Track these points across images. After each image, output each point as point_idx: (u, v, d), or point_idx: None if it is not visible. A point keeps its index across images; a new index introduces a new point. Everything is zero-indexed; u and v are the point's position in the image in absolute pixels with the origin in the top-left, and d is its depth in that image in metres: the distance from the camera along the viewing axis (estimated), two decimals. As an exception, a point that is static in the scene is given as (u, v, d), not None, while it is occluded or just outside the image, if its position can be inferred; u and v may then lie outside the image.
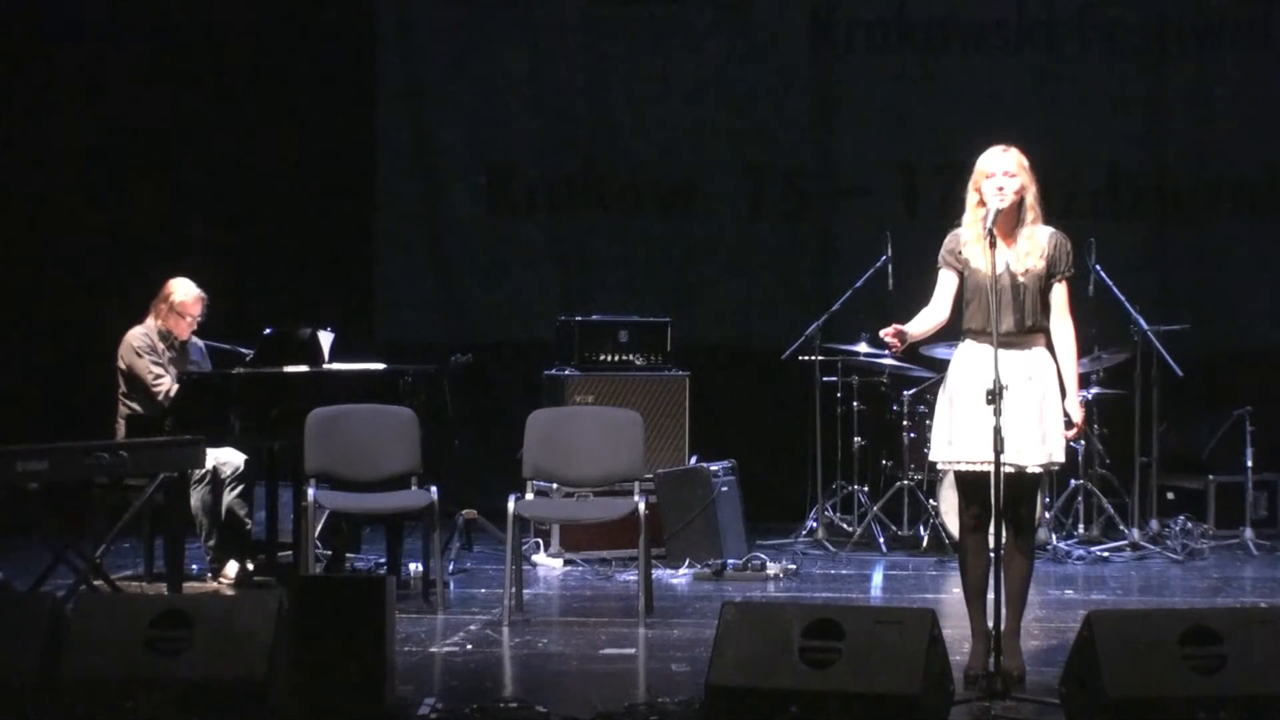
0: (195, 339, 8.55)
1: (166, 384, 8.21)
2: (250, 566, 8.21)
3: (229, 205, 10.81)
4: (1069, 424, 6.08)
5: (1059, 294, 6.10)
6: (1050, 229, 6.12)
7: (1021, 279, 6.04)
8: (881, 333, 6.15)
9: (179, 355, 8.43)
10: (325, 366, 8.22)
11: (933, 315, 6.21)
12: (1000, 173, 6.03)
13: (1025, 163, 6.07)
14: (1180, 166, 10.87)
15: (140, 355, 8.27)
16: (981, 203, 6.03)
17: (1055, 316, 6.11)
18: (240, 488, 8.30)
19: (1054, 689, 5.62)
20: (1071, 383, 6.11)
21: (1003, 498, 5.86)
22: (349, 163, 10.98)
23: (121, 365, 8.31)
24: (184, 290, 8.45)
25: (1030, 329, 6.07)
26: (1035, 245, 6.06)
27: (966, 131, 10.03)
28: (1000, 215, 5.99)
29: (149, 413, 8.10)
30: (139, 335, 8.35)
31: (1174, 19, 10.81)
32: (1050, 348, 6.11)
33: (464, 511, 8.83)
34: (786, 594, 8.17)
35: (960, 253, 6.11)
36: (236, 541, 8.26)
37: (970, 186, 6.09)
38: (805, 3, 10.96)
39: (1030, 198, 6.06)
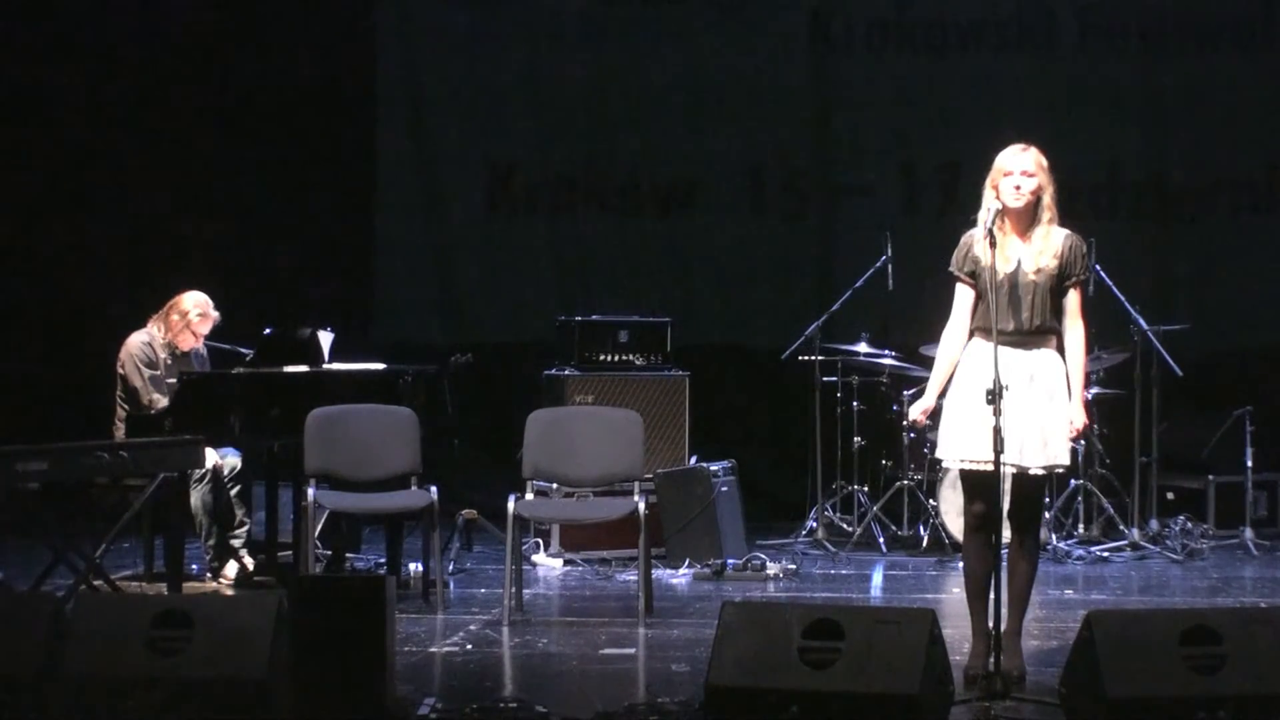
0: (197, 352, 8.54)
1: (160, 403, 8.19)
2: (250, 566, 8.22)
3: (229, 205, 10.81)
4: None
5: (1072, 297, 6.08)
6: (1066, 231, 6.10)
7: (1033, 277, 6.03)
8: (913, 419, 6.30)
9: (178, 362, 8.41)
10: (325, 366, 8.22)
11: (953, 344, 6.17)
12: (1018, 171, 6.03)
13: (1044, 162, 6.06)
14: (1180, 166, 10.86)
15: (140, 368, 8.25)
16: (999, 199, 6.03)
17: (1067, 319, 6.09)
18: (238, 488, 8.30)
19: (1054, 689, 5.62)
20: (1077, 387, 6.10)
21: (1007, 498, 5.86)
22: (349, 163, 10.98)
23: (120, 371, 8.30)
24: (201, 308, 8.42)
25: (1038, 329, 6.06)
26: (1050, 245, 6.05)
27: (966, 131, 10.14)
28: (1014, 214, 6.02)
29: (142, 414, 8.10)
30: (141, 345, 8.31)
31: (1174, 19, 10.81)
32: (1060, 350, 6.10)
33: (464, 511, 8.84)
34: (786, 594, 8.17)
35: (972, 250, 6.10)
36: (232, 540, 8.28)
37: (987, 183, 6.08)
38: (805, 3, 10.96)
39: (1047, 198, 6.05)
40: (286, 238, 10.79)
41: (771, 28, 10.95)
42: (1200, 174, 10.85)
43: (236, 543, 8.28)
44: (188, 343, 8.42)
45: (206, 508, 8.18)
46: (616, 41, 11.00)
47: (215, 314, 8.47)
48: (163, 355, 8.35)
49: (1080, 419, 6.08)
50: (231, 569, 8.22)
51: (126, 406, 8.25)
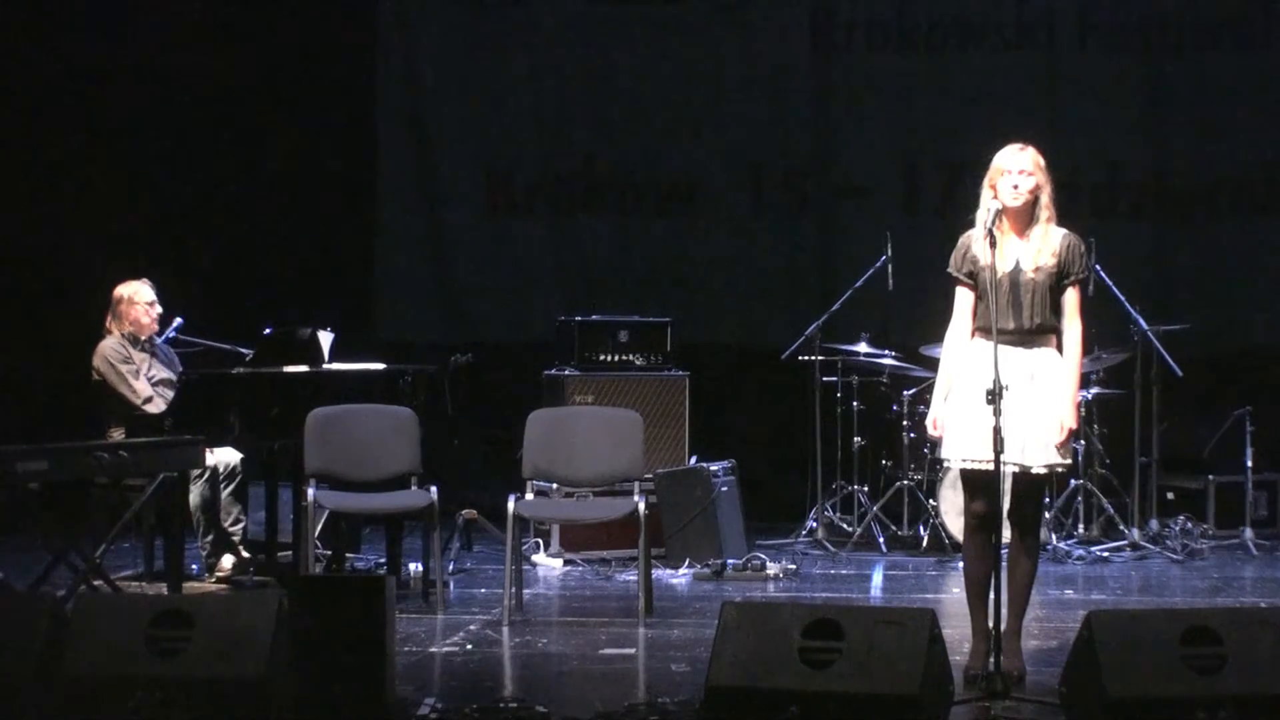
0: (161, 344, 8.53)
1: (145, 392, 8.17)
2: (246, 556, 8.24)
3: (229, 205, 10.80)
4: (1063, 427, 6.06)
5: (1070, 296, 6.08)
6: (1064, 230, 6.10)
7: (1032, 276, 6.03)
8: (932, 434, 6.23)
9: (153, 355, 8.41)
10: (325, 366, 8.22)
11: (957, 348, 6.15)
12: (1016, 171, 6.03)
13: (1041, 162, 6.07)
14: (1180, 166, 10.86)
15: (115, 366, 8.21)
16: (997, 199, 6.03)
17: (1065, 318, 6.09)
18: (232, 485, 8.32)
19: (1054, 689, 5.62)
20: (1071, 387, 6.09)
21: (1007, 498, 5.85)
22: (349, 163, 10.99)
23: (96, 377, 8.28)
24: (127, 286, 8.43)
25: (1038, 328, 6.05)
26: (1048, 244, 6.05)
27: (967, 131, 10.14)
28: (1013, 213, 6.02)
29: (140, 415, 8.10)
30: (112, 347, 8.29)
31: (1174, 19, 10.80)
32: (1060, 349, 6.10)
33: (464, 511, 8.84)
34: (786, 594, 8.17)
35: (970, 250, 6.10)
36: (226, 541, 8.30)
37: (985, 183, 6.09)
38: (805, 2, 10.96)
39: (1045, 197, 6.05)
40: (287, 238, 10.79)
41: (771, 28, 10.95)
42: (1200, 174, 10.84)
43: (234, 538, 8.29)
44: (146, 324, 8.38)
45: (206, 505, 8.19)
46: (616, 41, 11.01)
47: (142, 279, 8.44)
48: (134, 351, 8.35)
49: (1070, 421, 6.05)
50: (227, 561, 8.25)
51: (114, 416, 8.22)
